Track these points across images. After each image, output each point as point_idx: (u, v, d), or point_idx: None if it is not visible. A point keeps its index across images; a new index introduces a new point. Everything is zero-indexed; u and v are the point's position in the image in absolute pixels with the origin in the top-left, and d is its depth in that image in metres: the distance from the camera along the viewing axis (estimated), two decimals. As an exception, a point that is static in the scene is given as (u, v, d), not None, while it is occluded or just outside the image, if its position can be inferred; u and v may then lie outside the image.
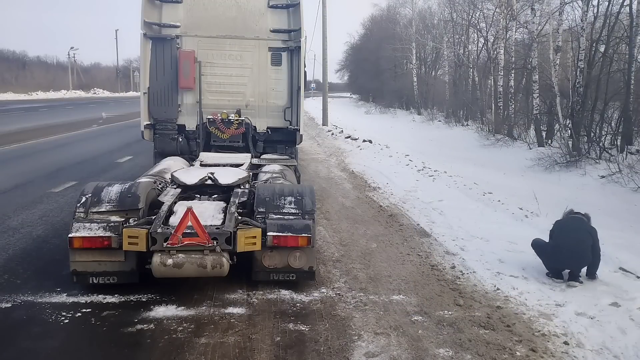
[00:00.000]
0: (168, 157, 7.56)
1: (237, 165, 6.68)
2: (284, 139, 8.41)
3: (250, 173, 6.41)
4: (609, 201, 10.02)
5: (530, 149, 16.52)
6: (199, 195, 5.39)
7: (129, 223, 4.47)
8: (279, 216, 4.74)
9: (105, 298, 4.52)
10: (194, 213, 4.20)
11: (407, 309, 4.53)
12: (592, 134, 14.12)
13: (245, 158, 7.24)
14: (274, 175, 6.34)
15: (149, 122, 8.09)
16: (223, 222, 4.52)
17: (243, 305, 4.48)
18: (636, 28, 14.14)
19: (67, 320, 4.14)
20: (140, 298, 4.55)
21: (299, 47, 8.05)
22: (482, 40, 27.91)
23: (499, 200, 8.89)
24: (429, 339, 3.99)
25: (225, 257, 4.31)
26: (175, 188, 5.45)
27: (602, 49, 15.21)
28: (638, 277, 5.33)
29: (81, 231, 4.37)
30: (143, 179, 5.66)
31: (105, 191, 4.69)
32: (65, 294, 4.58)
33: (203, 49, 7.98)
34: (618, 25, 15.20)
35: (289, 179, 6.48)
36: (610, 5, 15.07)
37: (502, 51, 21.75)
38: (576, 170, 12.81)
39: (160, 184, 5.64)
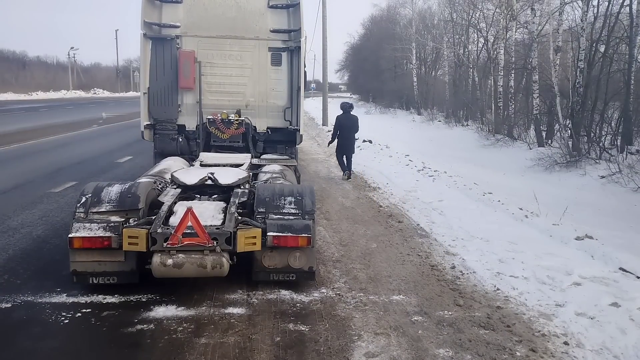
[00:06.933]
0: (168, 157, 7.56)
1: (237, 166, 6.68)
2: (284, 139, 8.41)
3: (250, 173, 6.41)
4: (609, 201, 10.03)
5: (530, 149, 16.53)
6: (199, 196, 5.38)
7: (129, 223, 4.46)
8: (279, 216, 4.74)
9: (105, 298, 4.52)
10: (194, 213, 4.20)
11: (407, 309, 4.53)
12: (592, 134, 14.13)
13: (245, 158, 7.23)
14: (274, 175, 6.33)
15: (149, 122, 8.09)
16: (223, 222, 4.52)
17: (243, 305, 4.48)
18: (636, 28, 14.14)
19: (67, 320, 4.14)
20: (140, 298, 4.54)
21: (299, 47, 8.05)
22: (482, 40, 27.96)
23: (499, 201, 8.89)
24: (429, 339, 3.99)
25: (225, 257, 4.30)
26: (175, 188, 5.45)
27: (602, 49, 15.22)
28: (638, 277, 5.33)
29: (81, 231, 4.37)
30: (143, 179, 5.66)
31: (105, 191, 4.69)
32: (65, 294, 4.58)
33: (203, 49, 7.98)
34: (618, 26, 15.20)
35: (289, 179, 6.48)
36: (610, 6, 15.09)
37: (502, 51, 21.76)
38: (576, 170, 12.82)
39: (160, 184, 5.63)
